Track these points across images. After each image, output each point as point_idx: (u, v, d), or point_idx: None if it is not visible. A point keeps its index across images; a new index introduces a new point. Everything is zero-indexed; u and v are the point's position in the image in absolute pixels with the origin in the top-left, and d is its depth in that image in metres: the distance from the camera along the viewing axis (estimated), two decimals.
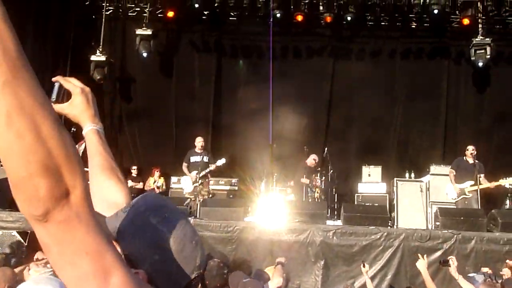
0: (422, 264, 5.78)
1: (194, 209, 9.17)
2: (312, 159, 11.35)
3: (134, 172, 12.71)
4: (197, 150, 10.61)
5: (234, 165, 12.68)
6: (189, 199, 9.02)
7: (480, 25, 12.38)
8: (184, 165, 10.69)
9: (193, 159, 10.59)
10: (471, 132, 12.60)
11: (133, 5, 13.20)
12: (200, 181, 10.00)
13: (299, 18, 12.67)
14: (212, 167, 10.31)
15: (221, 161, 10.35)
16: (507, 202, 11.05)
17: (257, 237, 8.26)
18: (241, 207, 8.84)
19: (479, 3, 12.40)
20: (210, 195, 10.49)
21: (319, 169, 11.47)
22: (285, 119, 13.00)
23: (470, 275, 6.63)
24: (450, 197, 9.84)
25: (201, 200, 9.34)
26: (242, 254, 8.08)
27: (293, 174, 11.63)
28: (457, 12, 12.79)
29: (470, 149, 9.72)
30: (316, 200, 10.99)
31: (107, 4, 12.94)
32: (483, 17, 12.56)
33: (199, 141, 10.64)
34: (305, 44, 13.31)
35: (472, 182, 9.41)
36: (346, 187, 12.09)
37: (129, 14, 13.31)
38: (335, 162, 11.72)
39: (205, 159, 10.44)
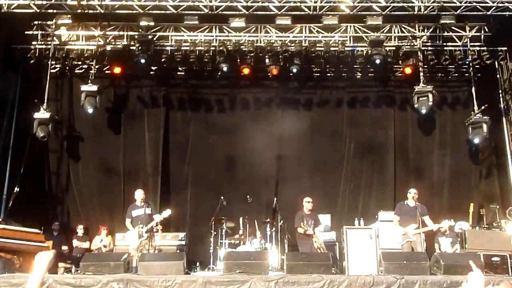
0: None
1: (133, 265, 8.79)
2: (308, 203, 10.79)
3: (80, 231, 12.32)
4: (138, 203, 10.25)
5: (183, 218, 12.51)
6: (126, 254, 8.65)
7: (421, 74, 12.70)
8: (127, 220, 10.27)
9: (135, 213, 10.21)
10: (420, 175, 12.70)
11: (79, 63, 13.17)
12: (145, 235, 9.70)
13: (246, 71, 12.83)
14: (157, 219, 9.95)
15: (166, 213, 9.98)
16: (457, 246, 10.97)
17: None
18: (181, 260, 8.52)
19: (419, 53, 12.79)
20: (156, 251, 10.10)
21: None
22: (236, 172, 12.97)
23: None
24: (396, 242, 9.74)
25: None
26: None
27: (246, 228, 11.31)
28: (399, 61, 13.17)
29: (412, 192, 9.74)
30: (319, 250, 10.22)
31: (54, 62, 12.91)
32: (425, 66, 12.91)
33: (139, 194, 10.30)
34: (253, 95, 13.43)
35: (416, 225, 9.36)
36: None
37: (76, 71, 13.30)
38: (285, 213, 11.58)
39: (148, 211, 10.09)
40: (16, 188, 11.87)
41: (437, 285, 7.88)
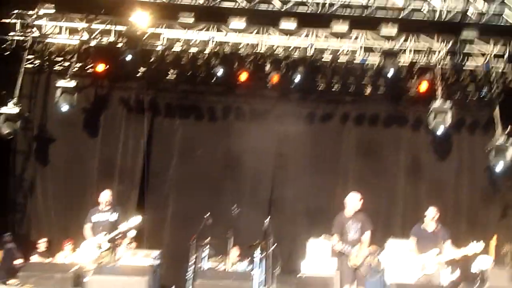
0: None
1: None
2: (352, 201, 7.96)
3: (42, 246, 10.71)
4: (102, 207, 8.51)
5: (160, 235, 10.98)
6: (78, 266, 7.04)
7: (439, 89, 11.37)
8: (86, 226, 8.51)
9: (95, 218, 8.48)
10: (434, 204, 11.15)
11: (60, 58, 11.89)
12: (107, 245, 8.07)
13: (243, 77, 11.53)
14: (122, 227, 8.23)
15: (136, 220, 8.28)
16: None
17: None
18: (144, 277, 6.93)
19: (438, 66, 11.51)
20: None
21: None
22: (223, 188, 11.52)
23: None
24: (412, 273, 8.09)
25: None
26: None
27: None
28: (413, 79, 11.84)
29: (430, 212, 8.07)
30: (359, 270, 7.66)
31: (31, 56, 11.72)
32: (442, 83, 11.58)
33: (105, 196, 8.55)
34: (249, 106, 12.06)
35: (437, 251, 7.74)
36: (291, 265, 10.23)
37: (55, 68, 11.99)
38: (278, 236, 10.01)
39: (113, 217, 8.39)
40: None
41: None
